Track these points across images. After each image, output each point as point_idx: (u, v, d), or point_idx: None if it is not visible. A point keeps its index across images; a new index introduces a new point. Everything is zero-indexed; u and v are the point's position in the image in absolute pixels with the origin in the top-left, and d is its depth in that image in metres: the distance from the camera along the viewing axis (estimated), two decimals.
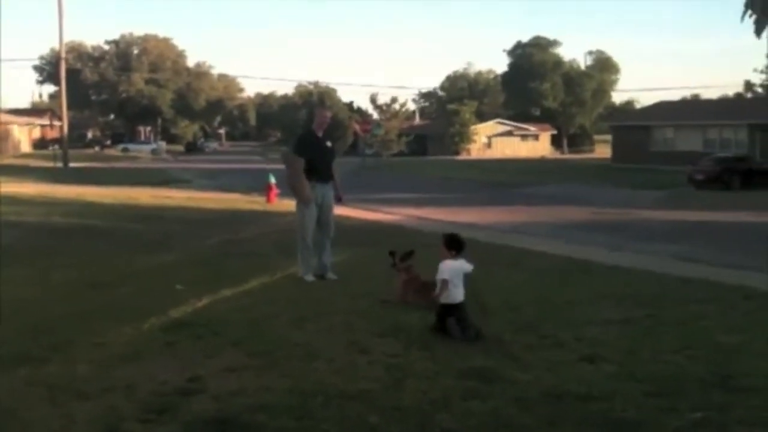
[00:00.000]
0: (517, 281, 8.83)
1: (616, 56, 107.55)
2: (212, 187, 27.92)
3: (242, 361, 5.29)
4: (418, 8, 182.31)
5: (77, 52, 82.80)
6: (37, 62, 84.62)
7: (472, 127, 71.17)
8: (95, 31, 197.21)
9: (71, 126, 52.20)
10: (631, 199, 24.51)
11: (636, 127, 51.19)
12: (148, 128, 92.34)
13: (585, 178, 36.55)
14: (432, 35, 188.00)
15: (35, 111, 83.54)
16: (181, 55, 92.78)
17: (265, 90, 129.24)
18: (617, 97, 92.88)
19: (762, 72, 55.29)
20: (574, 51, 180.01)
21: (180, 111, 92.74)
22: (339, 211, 9.71)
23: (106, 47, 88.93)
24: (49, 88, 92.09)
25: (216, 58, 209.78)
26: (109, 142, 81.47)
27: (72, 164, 42.14)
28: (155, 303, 7.08)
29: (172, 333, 6.00)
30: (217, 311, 6.85)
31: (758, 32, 3.41)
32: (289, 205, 10.38)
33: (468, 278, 6.43)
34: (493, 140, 74.67)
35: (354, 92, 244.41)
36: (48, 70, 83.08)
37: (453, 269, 6.24)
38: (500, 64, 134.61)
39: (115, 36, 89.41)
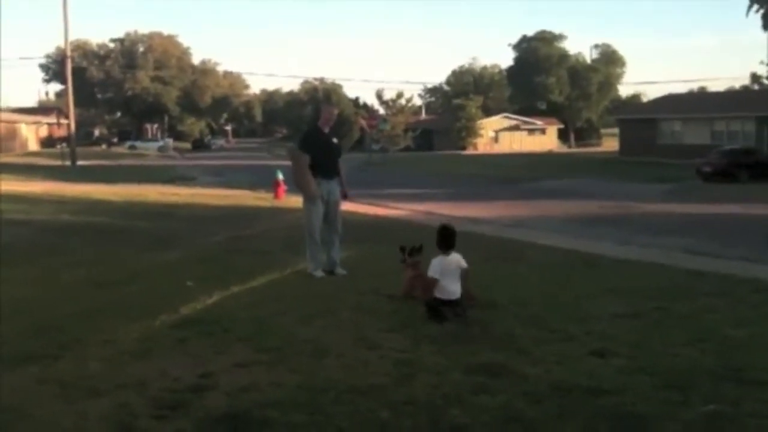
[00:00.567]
0: (525, 275, 8.84)
1: (622, 50, 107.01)
2: (220, 184, 27.97)
3: (252, 357, 5.31)
4: (423, 4, 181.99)
5: (83, 50, 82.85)
6: (43, 61, 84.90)
7: (479, 122, 71.10)
8: (100, 30, 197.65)
9: (78, 124, 52.30)
10: (638, 192, 24.44)
11: (643, 120, 51.06)
12: (155, 126, 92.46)
13: (592, 171, 36.46)
14: (437, 31, 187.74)
15: (42, 109, 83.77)
16: (186, 53, 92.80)
17: (271, 87, 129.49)
18: (624, 91, 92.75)
19: None
20: (579, 45, 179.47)
21: (186, 108, 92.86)
22: (346, 206, 9.73)
23: (112, 45, 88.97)
24: (56, 87, 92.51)
25: (221, 56, 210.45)
26: (116, 140, 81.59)
27: (79, 162, 42.25)
28: (165, 300, 7.11)
29: (183, 330, 6.02)
30: (227, 308, 6.87)
31: (766, 26, 3.38)
32: (297, 201, 10.40)
33: (465, 273, 6.58)
34: (500, 134, 74.61)
35: (360, 88, 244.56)
36: (54, 69, 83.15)
37: (443, 266, 6.46)
38: (506, 59, 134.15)
39: (120, 34, 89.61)
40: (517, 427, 4.09)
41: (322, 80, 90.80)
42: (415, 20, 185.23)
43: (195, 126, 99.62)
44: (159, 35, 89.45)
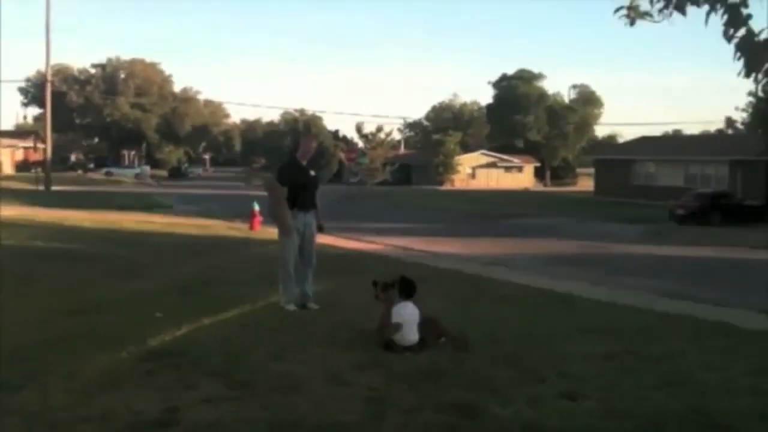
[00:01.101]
0: (500, 314, 8.82)
1: (600, 90, 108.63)
2: (195, 213, 27.83)
3: (221, 392, 5.22)
4: (405, 40, 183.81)
5: (63, 75, 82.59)
6: (22, 84, 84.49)
7: (457, 158, 71.59)
8: (82, 55, 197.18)
9: (54, 149, 51.83)
10: (613, 233, 24.67)
11: (618, 161, 51.71)
12: (132, 152, 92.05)
13: (568, 210, 36.78)
14: (418, 66, 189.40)
15: (19, 133, 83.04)
16: (167, 80, 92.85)
17: (251, 116, 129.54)
18: (600, 131, 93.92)
19: (743, 110, 56.08)
20: (558, 84, 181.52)
21: (165, 136, 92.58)
22: (322, 239, 9.69)
23: (93, 71, 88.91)
24: (34, 111, 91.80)
25: (203, 84, 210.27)
26: (92, 166, 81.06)
27: (54, 187, 41.87)
28: (134, 331, 6.99)
29: (151, 362, 5.92)
30: (197, 340, 6.77)
31: (748, 73, 3.45)
32: (272, 232, 10.35)
33: (431, 321, 6.80)
34: (477, 171, 75.09)
35: (340, 120, 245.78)
36: (33, 93, 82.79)
37: (407, 314, 6.68)
38: (485, 96, 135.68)
39: (102, 59, 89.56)
40: None
41: (302, 111, 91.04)
42: (397, 56, 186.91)
43: (173, 154, 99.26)
44: (141, 62, 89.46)
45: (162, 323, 7.34)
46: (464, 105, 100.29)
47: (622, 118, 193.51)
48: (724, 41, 3.42)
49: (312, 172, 8.90)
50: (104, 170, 74.95)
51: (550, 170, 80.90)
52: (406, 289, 6.99)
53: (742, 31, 3.38)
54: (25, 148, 72.22)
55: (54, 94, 50.68)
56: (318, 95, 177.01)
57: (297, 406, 4.99)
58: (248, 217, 21.08)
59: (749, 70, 3.40)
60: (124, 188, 52.03)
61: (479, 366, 6.13)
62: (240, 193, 40.32)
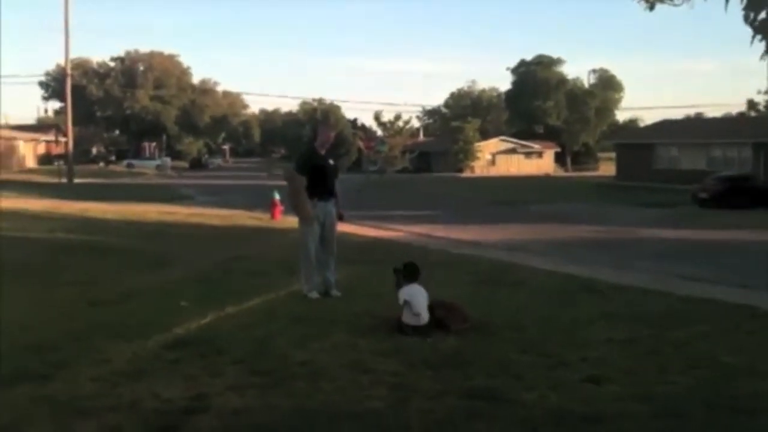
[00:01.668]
0: (522, 300, 8.81)
1: (620, 75, 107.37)
2: (216, 204, 27.96)
3: (246, 379, 5.27)
4: (423, 28, 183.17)
5: (83, 68, 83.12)
6: (42, 78, 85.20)
7: (476, 144, 71.30)
8: (101, 48, 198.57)
9: (76, 142, 52.18)
10: (635, 217, 24.47)
11: (640, 145, 51.27)
12: (153, 144, 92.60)
13: (589, 195, 36.54)
14: (437, 54, 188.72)
15: (41, 127, 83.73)
16: (186, 72, 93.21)
17: (270, 107, 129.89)
18: (621, 115, 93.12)
19: (766, 93, 55.39)
20: (577, 69, 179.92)
21: (184, 127, 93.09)
22: (343, 227, 9.71)
23: (112, 64, 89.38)
24: (55, 104, 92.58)
25: (221, 75, 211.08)
26: (113, 158, 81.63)
27: (77, 180, 42.26)
28: (159, 320, 7.08)
29: (176, 351, 5.98)
30: (221, 329, 6.84)
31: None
32: (293, 221, 10.38)
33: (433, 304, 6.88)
34: (497, 157, 74.75)
35: (358, 109, 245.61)
36: (53, 87, 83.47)
37: (413, 293, 6.81)
38: (504, 82, 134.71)
39: (121, 53, 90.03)
40: None
41: (320, 101, 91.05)
42: (415, 44, 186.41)
43: (193, 145, 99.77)
44: (159, 54, 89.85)
45: (187, 312, 7.42)
46: (483, 91, 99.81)
47: (643, 103, 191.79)
48: (744, 24, 3.39)
49: (331, 161, 8.92)
50: (125, 162, 75.47)
51: (571, 155, 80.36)
52: (410, 273, 7.13)
53: (762, 15, 3.36)
54: (47, 142, 72.85)
55: (74, 87, 51.08)
56: (336, 85, 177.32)
57: (321, 392, 5.03)
58: (269, 206, 21.15)
59: None
60: (145, 180, 52.38)
61: (502, 351, 6.13)
62: (260, 183, 40.47)
